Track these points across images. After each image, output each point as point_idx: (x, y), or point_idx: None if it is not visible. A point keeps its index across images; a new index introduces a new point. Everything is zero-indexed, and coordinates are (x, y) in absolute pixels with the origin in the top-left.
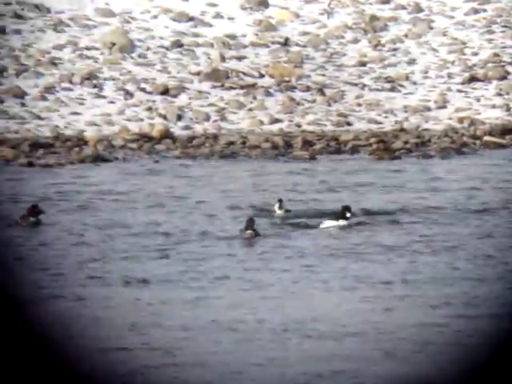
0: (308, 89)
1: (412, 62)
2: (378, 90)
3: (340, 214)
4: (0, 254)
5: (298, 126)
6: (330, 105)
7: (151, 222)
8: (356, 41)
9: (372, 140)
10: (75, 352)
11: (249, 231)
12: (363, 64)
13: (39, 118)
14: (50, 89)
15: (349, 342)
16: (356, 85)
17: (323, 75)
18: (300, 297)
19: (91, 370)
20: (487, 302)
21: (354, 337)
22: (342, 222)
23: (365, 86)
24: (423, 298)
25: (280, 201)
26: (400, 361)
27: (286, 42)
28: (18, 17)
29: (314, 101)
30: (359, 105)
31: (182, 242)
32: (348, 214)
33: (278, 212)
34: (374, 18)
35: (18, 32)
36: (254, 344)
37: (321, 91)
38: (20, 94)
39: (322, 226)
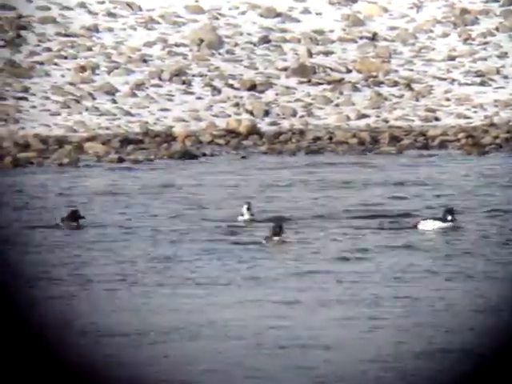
0: (396, 84)
1: (503, 55)
2: (467, 84)
3: (442, 216)
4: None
5: (386, 121)
6: (417, 100)
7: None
8: (445, 35)
9: (460, 135)
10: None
11: (276, 237)
12: (452, 58)
13: (129, 114)
14: (140, 85)
15: None
16: (445, 79)
17: (411, 70)
18: None
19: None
20: None
21: None
22: (444, 224)
23: (454, 80)
24: None
25: (248, 203)
26: None
27: (373, 37)
28: (111, 15)
29: (401, 96)
30: (448, 99)
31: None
32: (450, 217)
33: (245, 217)
34: (464, 11)
35: (111, 30)
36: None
37: (409, 86)
38: (111, 91)
39: (420, 226)
